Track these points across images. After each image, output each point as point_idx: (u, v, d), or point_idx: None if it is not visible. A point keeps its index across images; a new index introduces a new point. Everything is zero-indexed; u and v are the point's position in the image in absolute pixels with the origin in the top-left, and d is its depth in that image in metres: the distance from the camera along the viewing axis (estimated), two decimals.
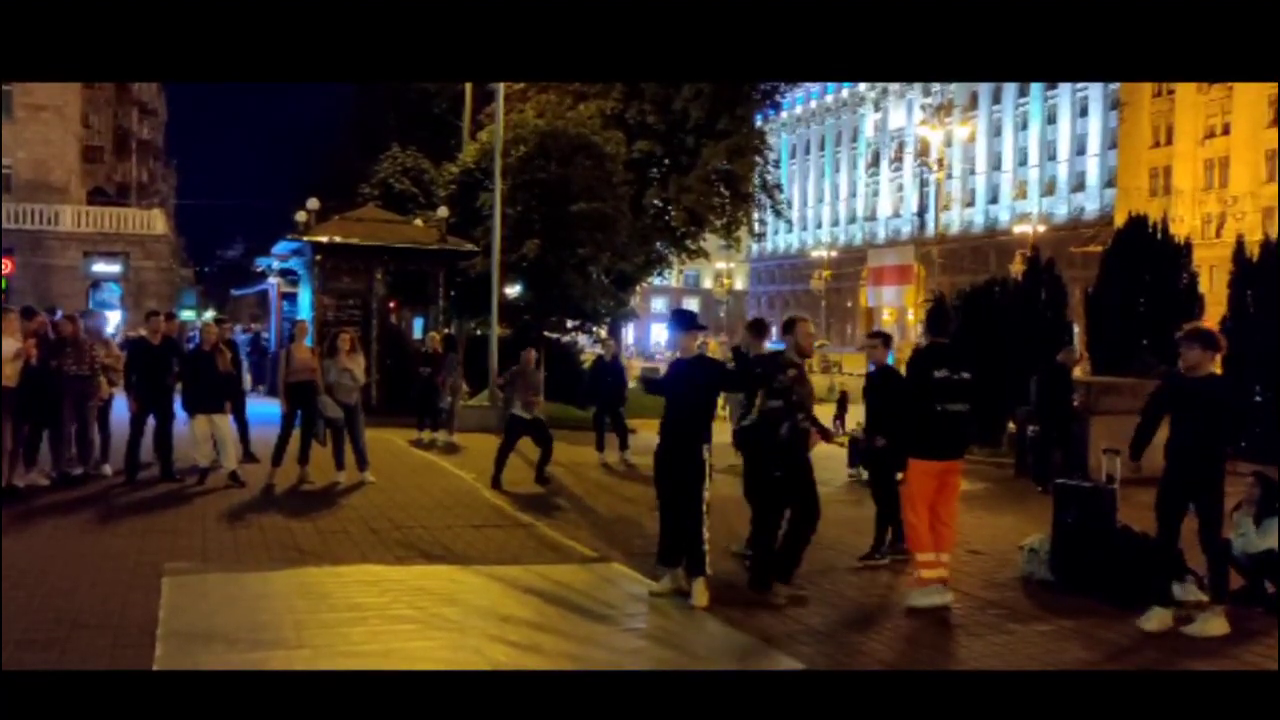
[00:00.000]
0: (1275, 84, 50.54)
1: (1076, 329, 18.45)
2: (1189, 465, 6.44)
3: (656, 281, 51.16)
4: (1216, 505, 6.59)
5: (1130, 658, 6.09)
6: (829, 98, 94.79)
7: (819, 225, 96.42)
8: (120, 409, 11.34)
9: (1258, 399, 15.70)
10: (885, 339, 9.20)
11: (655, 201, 30.22)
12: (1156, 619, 6.51)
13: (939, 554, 7.02)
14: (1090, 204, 67.07)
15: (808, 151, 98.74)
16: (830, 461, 14.39)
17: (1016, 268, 30.48)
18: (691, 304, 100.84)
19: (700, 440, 6.90)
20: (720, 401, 10.50)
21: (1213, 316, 17.39)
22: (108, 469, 11.04)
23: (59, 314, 12.72)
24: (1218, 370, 6.17)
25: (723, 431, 8.12)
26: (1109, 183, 65.10)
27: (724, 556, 7.71)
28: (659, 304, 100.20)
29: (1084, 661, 5.88)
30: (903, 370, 8.27)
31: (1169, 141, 58.93)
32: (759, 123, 35.41)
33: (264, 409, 14.08)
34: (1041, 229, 57.11)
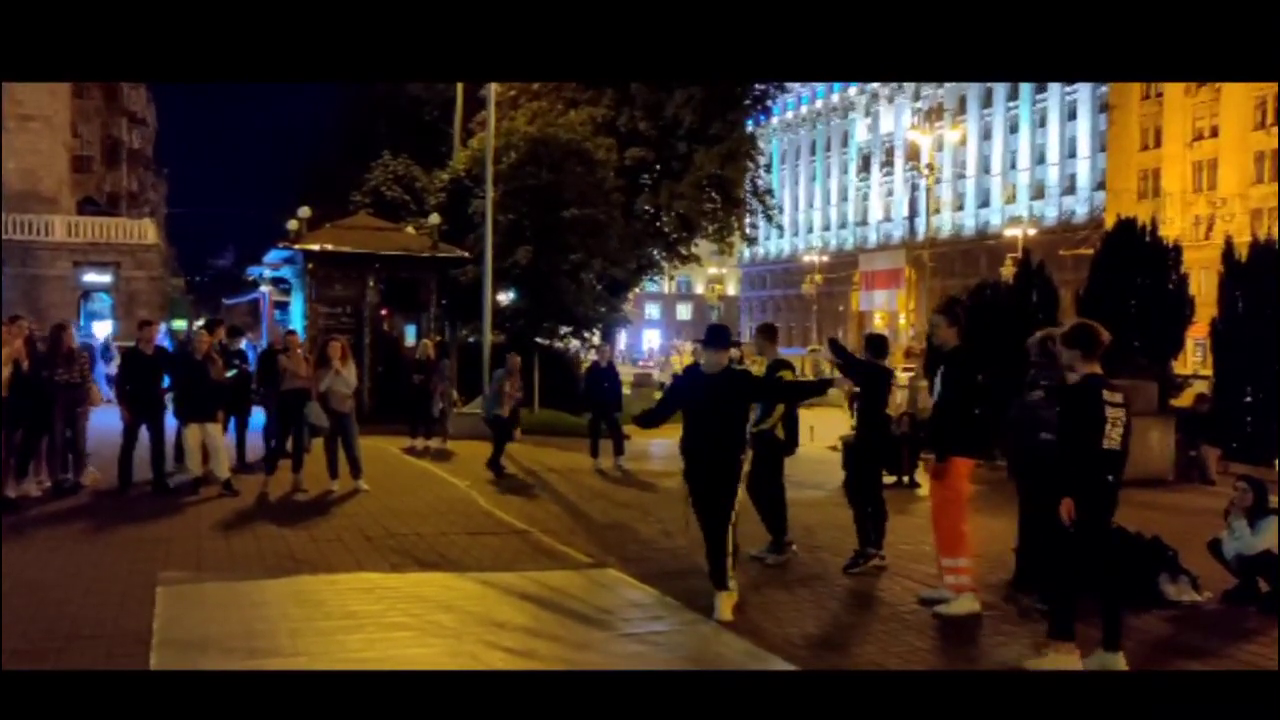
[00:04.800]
0: (1262, 87, 50.85)
1: None
2: None
3: (649, 287, 51.27)
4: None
5: (1125, 657, 6.09)
6: (819, 103, 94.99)
7: (810, 230, 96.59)
8: (104, 419, 11.30)
9: (1247, 399, 15.79)
10: (875, 346, 8.80)
11: (647, 207, 30.25)
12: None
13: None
14: (1080, 207, 67.33)
15: (798, 156, 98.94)
16: (824, 465, 14.40)
17: (1007, 271, 30.57)
18: (684, 309, 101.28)
19: (739, 454, 6.83)
20: None
21: (1203, 317, 17.48)
22: (85, 477, 10.93)
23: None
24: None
25: None
26: (1099, 185, 65.36)
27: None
28: (652, 310, 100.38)
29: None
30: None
31: (1158, 144, 59.19)
32: (750, 128, 35.47)
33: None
34: (1032, 232, 57.38)
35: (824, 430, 19.64)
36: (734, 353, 7.65)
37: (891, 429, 9.19)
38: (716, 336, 7.08)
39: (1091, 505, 5.64)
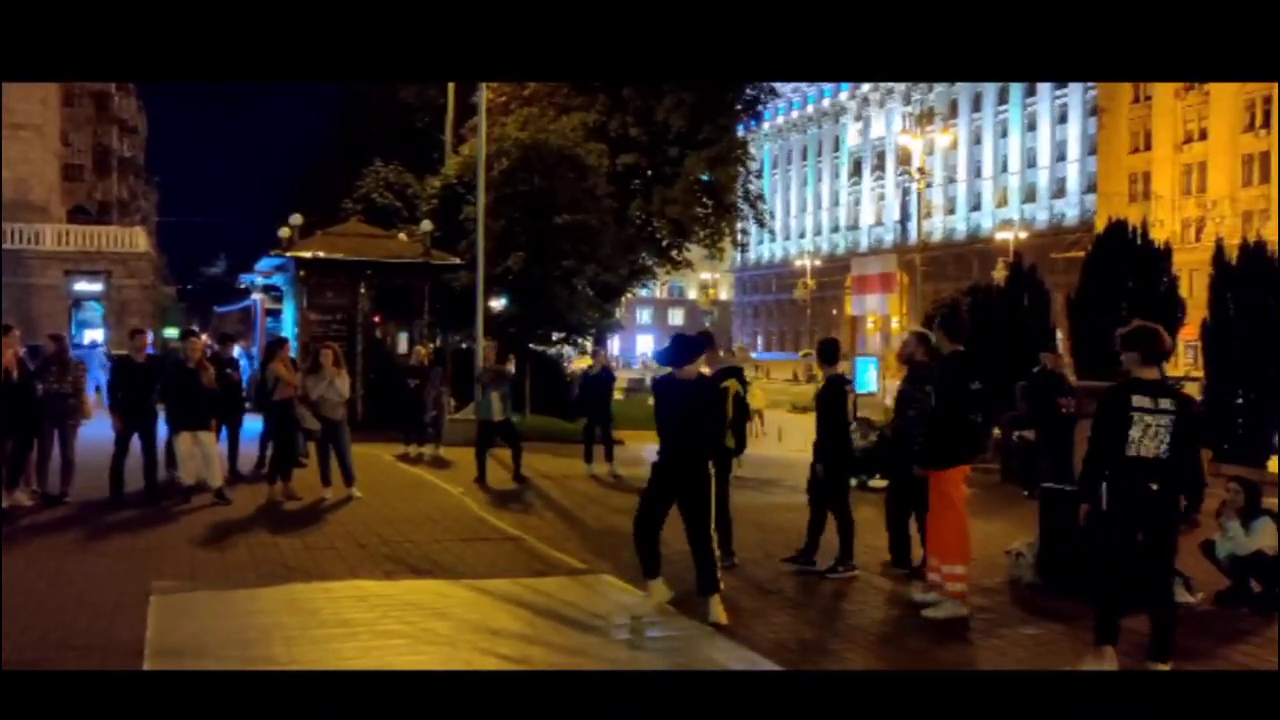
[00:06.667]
0: (1251, 90, 51.05)
1: (1060, 334, 18.58)
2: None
3: (641, 293, 51.27)
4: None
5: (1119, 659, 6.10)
6: (810, 108, 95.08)
7: (802, 235, 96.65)
8: (95, 428, 11.25)
9: (1239, 401, 15.82)
10: (825, 352, 8.62)
11: (639, 213, 30.27)
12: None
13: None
14: (1071, 210, 67.50)
15: (790, 161, 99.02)
16: None
17: (999, 274, 30.61)
18: (676, 314, 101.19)
19: (709, 459, 6.86)
20: None
21: (1194, 320, 17.53)
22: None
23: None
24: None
25: None
26: (1089, 188, 65.54)
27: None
28: (644, 315, 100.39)
29: (1073, 664, 5.88)
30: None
31: (1148, 147, 59.37)
32: (741, 133, 35.53)
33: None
34: (1023, 235, 57.47)
35: None
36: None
37: (853, 437, 9.05)
38: (690, 346, 6.96)
39: (1125, 513, 5.50)
